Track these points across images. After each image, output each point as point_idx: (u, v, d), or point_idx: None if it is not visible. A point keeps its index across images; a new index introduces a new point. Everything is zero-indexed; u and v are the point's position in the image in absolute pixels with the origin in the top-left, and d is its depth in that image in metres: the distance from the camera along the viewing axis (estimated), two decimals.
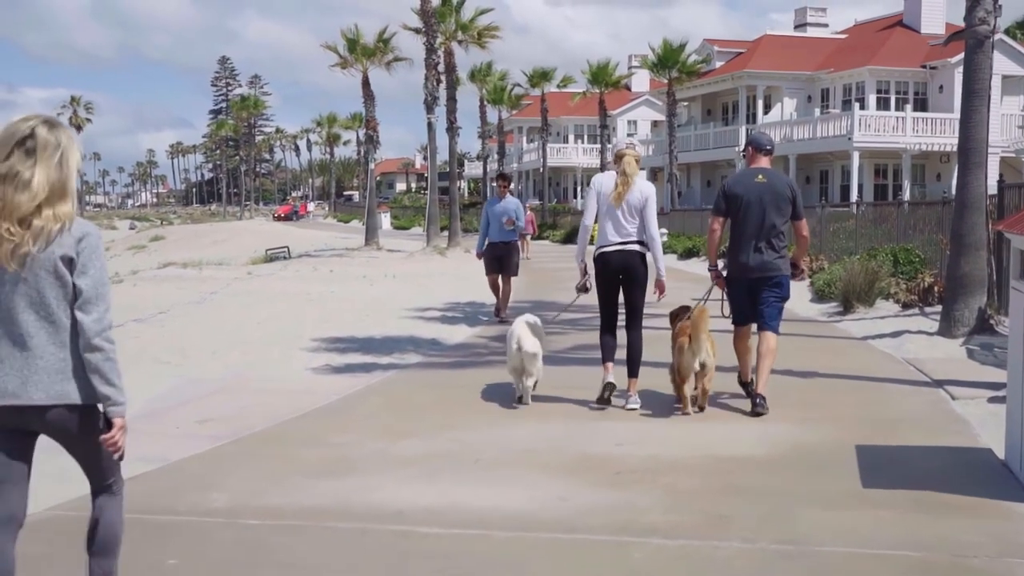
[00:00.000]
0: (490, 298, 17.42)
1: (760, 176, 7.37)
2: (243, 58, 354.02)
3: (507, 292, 13.28)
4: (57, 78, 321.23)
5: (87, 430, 3.13)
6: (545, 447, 6.25)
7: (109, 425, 3.11)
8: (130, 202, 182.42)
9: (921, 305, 13.20)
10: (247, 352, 10.54)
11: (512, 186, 67.41)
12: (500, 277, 13.08)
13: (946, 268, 11.55)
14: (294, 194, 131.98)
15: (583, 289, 7.69)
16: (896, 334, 11.22)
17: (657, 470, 5.63)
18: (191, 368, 9.56)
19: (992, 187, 11.70)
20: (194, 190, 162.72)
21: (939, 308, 12.17)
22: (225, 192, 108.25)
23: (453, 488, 5.31)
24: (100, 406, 3.12)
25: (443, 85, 35.38)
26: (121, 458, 3.22)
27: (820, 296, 15.54)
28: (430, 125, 32.30)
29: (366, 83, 35.52)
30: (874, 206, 22.16)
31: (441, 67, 33.43)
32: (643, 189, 7.25)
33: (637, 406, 7.30)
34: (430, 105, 32.10)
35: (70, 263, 3.05)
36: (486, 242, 13.03)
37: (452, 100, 35.90)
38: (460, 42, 36.12)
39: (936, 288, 13.09)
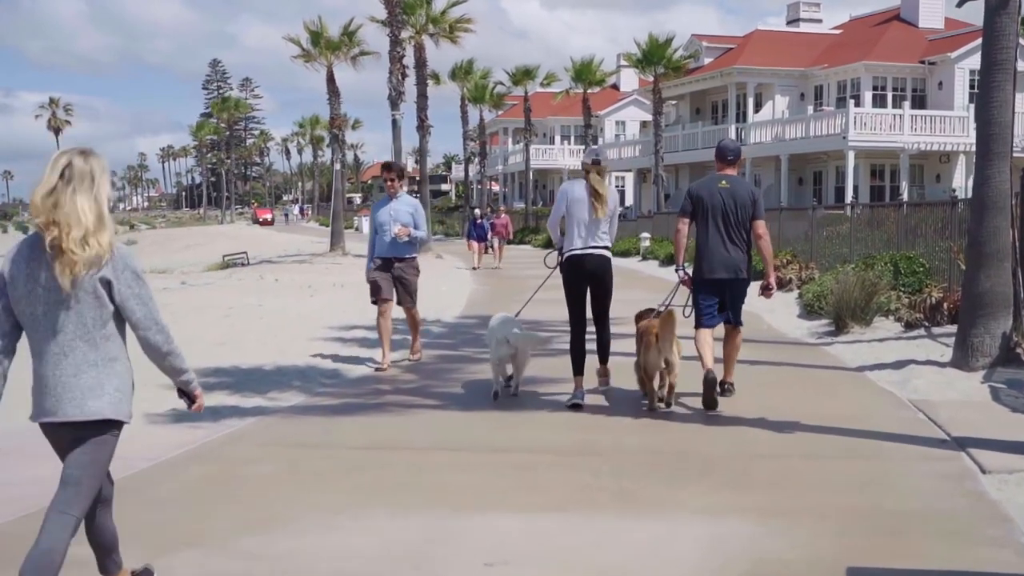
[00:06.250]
0: (437, 313, 15.20)
1: (723, 182, 7.58)
2: (242, 63, 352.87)
3: (412, 322, 9.83)
4: (56, 83, 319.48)
5: (103, 447, 3.34)
6: (381, 570, 4.13)
7: (192, 400, 3.63)
8: (122, 206, 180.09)
9: (928, 325, 11.09)
10: None
11: (501, 189, 65.76)
12: (392, 306, 9.51)
13: (962, 282, 9.43)
14: (285, 198, 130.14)
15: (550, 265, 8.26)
16: (899, 364, 9.12)
17: None
18: None
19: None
20: (184, 194, 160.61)
21: (950, 329, 10.10)
22: (206, 195, 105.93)
23: None
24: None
25: (415, 81, 33.44)
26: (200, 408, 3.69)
27: (809, 311, 13.45)
28: (395, 122, 30.05)
29: (331, 79, 33.36)
30: (871, 208, 20.07)
31: (408, 61, 31.29)
32: (612, 198, 7.61)
33: (607, 388, 8.03)
34: (395, 101, 29.86)
35: (108, 285, 3.25)
36: (375, 259, 9.50)
37: (423, 96, 33.88)
38: (432, 35, 34.08)
39: (946, 305, 10.99)
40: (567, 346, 7.79)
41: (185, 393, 3.64)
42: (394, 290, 9.49)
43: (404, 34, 31.71)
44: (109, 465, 3.47)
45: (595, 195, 7.43)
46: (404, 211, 9.41)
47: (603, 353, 7.94)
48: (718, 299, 7.56)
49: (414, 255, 9.60)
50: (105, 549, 3.67)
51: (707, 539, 4.44)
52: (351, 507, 5.04)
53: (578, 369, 7.60)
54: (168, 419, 7.33)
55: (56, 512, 3.29)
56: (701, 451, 6.18)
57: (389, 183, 9.55)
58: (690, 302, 7.74)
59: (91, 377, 3.26)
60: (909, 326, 11.21)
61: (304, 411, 7.69)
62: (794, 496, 5.13)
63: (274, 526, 4.74)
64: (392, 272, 9.44)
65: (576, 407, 7.41)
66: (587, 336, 7.70)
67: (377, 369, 9.48)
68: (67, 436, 3.30)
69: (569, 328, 7.73)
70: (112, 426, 3.37)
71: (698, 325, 7.59)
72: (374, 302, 9.53)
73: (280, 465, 6.00)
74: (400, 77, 29.72)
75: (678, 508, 4.95)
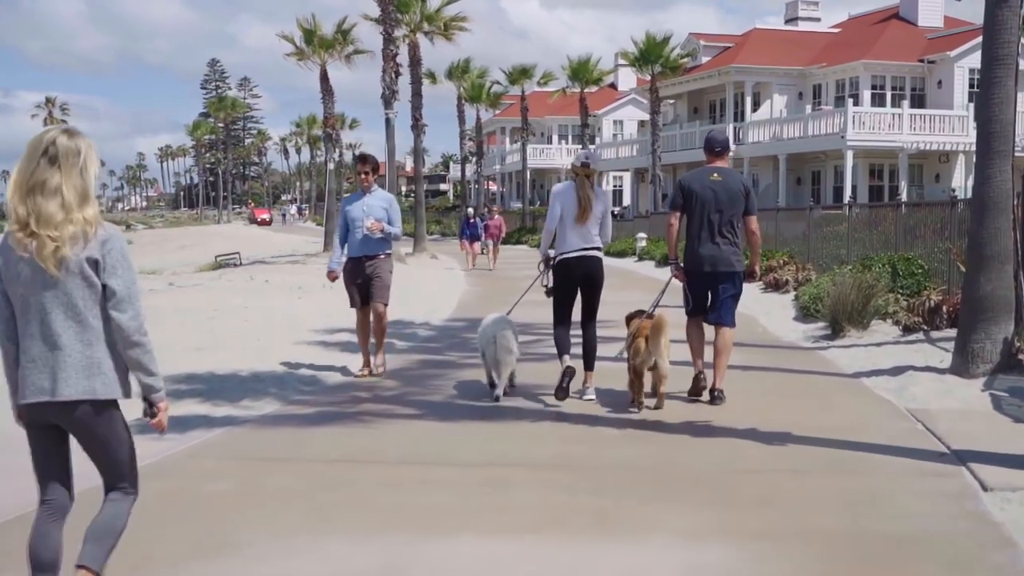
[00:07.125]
0: (426, 315, 14.90)
1: (715, 174, 7.54)
2: (241, 63, 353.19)
3: (380, 329, 9.14)
4: (56, 83, 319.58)
5: (107, 423, 3.37)
6: None
7: (153, 411, 3.45)
8: (120, 206, 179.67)
9: (927, 329, 10.78)
10: None
11: (499, 189, 65.27)
12: (369, 311, 9.04)
13: (962, 285, 9.12)
14: (284, 197, 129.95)
15: (546, 287, 7.96)
16: (897, 370, 8.81)
17: None
18: None
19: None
20: (182, 194, 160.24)
21: (949, 333, 9.81)
22: (204, 195, 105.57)
23: None
24: (115, 399, 3.37)
25: (410, 80, 33.13)
26: (163, 431, 3.58)
27: (805, 314, 13.15)
28: (388, 121, 29.75)
29: (324, 77, 33.08)
30: (869, 208, 19.77)
31: (401, 59, 31.00)
32: (602, 200, 7.60)
33: (593, 398, 7.63)
34: (388, 100, 29.56)
35: (95, 265, 3.24)
36: (344, 258, 9.04)
37: (417, 96, 33.52)
38: (427, 34, 33.75)
39: (945, 308, 10.67)
40: (554, 351, 7.73)
41: (149, 403, 3.45)
42: (366, 290, 8.96)
43: (398, 32, 31.42)
44: (129, 434, 3.47)
45: (583, 198, 7.45)
46: (378, 206, 8.88)
47: (589, 359, 7.73)
48: (708, 291, 7.58)
49: (388, 252, 9.04)
50: (43, 566, 3.41)
51: (684, 567, 4.13)
52: (311, 530, 4.72)
53: (564, 350, 7.53)
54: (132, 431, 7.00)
55: (109, 501, 3.46)
56: (686, 465, 5.87)
57: (363, 176, 8.89)
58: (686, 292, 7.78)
59: (85, 357, 3.27)
60: (907, 330, 10.91)
61: (276, 421, 7.37)
62: (781, 517, 4.81)
63: (228, 551, 4.43)
64: (364, 271, 8.89)
65: (562, 393, 7.36)
66: (573, 339, 7.67)
67: (357, 375, 9.16)
68: (63, 417, 3.29)
69: (553, 328, 7.72)
70: (111, 405, 3.37)
71: (689, 314, 7.71)
72: (353, 303, 9.15)
73: (242, 482, 5.68)
74: (394, 75, 29.41)
75: (657, 530, 4.63)
